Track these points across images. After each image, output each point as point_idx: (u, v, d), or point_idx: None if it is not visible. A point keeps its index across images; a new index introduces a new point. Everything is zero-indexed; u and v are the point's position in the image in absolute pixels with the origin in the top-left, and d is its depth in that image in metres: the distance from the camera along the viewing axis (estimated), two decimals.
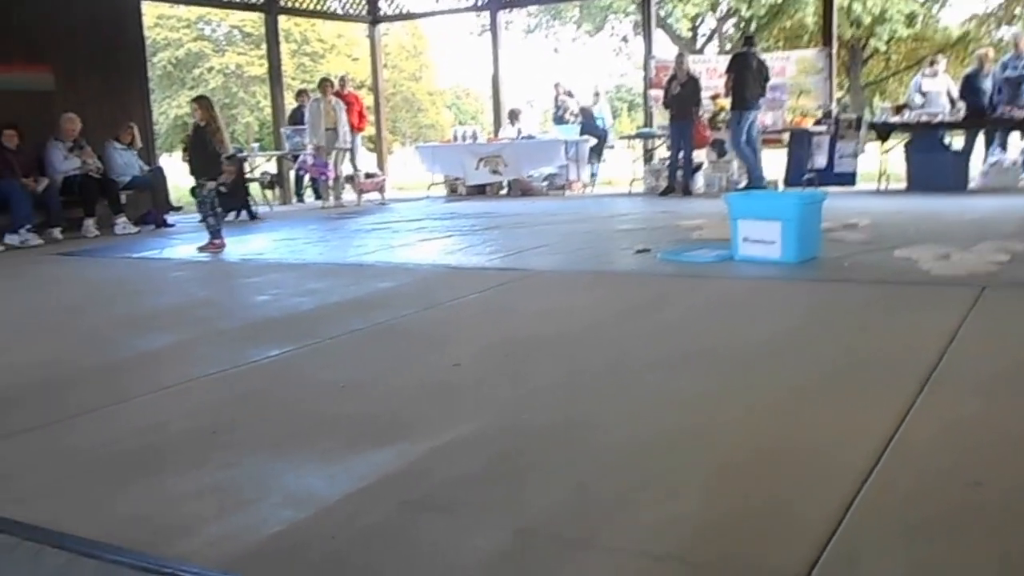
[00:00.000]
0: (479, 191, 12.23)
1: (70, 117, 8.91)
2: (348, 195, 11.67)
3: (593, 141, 12.37)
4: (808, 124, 10.21)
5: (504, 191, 12.27)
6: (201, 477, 2.27)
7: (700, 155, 10.88)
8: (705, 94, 10.51)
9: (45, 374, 3.46)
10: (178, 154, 27.10)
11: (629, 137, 12.81)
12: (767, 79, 9.84)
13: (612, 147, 13.70)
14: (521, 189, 11.97)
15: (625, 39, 25.31)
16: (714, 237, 6.13)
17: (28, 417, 2.86)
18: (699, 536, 1.85)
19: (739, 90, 9.59)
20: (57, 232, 8.56)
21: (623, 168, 13.42)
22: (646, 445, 2.39)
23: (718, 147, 10.61)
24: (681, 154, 10.38)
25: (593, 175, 12.78)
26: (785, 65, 10.99)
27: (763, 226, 5.06)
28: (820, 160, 9.90)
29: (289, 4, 12.85)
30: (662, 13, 20.18)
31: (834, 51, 11.25)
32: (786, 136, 10.48)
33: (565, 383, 3.01)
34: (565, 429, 2.53)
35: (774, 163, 10.68)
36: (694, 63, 11.21)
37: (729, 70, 9.76)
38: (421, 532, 1.91)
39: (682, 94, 10.18)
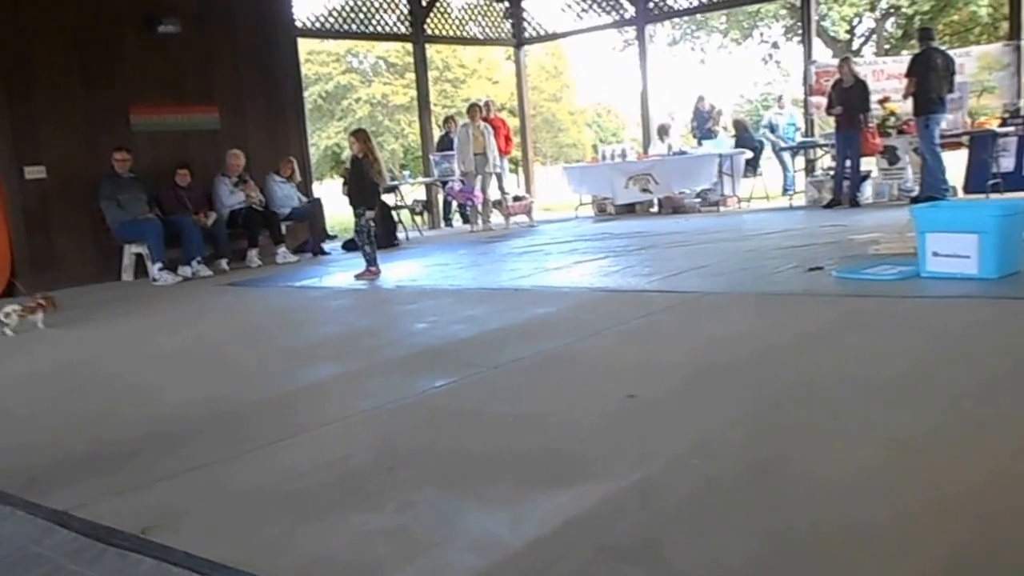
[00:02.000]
0: (628, 210, 12.08)
1: (235, 153, 9.44)
2: (496, 218, 11.78)
3: (749, 154, 11.98)
4: (993, 125, 9.45)
5: (654, 209, 12.07)
6: (382, 516, 2.24)
7: (866, 164, 10.31)
8: (872, 98, 9.94)
9: (222, 406, 3.57)
10: (329, 182, 28.41)
11: (789, 149, 12.29)
12: (954, 74, 9.16)
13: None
14: (672, 207, 11.73)
15: (775, 45, 24.50)
16: (894, 252, 5.73)
17: (209, 450, 2.94)
18: None
19: (924, 92, 8.94)
20: (224, 263, 9.07)
21: (780, 181, 12.92)
22: (858, 488, 2.18)
23: (890, 154, 10.01)
24: (848, 163, 9.85)
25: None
26: (965, 62, 10.24)
27: (956, 239, 4.67)
28: (1007, 163, 9.15)
29: (435, 32, 13.17)
30: (815, 16, 19.40)
31: (1023, 44, 10.39)
32: (965, 139, 9.74)
33: (755, 416, 2.82)
34: (762, 468, 2.35)
35: (950, 169, 9.96)
36: (857, 66, 10.64)
37: (910, 73, 9.12)
38: None
39: (848, 99, 9.65)
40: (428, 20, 12.91)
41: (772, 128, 13.13)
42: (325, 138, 31.10)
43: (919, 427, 2.58)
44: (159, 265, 8.36)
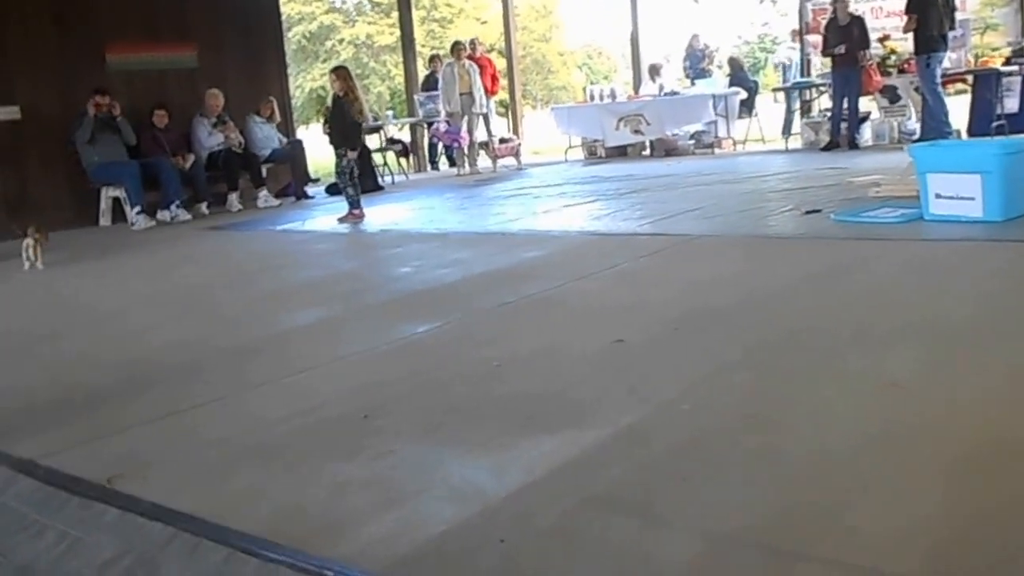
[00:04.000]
0: (619, 153, 11.90)
1: (214, 93, 9.20)
2: (483, 161, 11.60)
3: (744, 94, 11.77)
4: (997, 64, 9.26)
5: (647, 152, 11.89)
6: (357, 466, 2.16)
7: (865, 105, 10.13)
8: (871, 36, 9.72)
9: (196, 352, 3.49)
10: (315, 127, 28.05)
11: (783, 89, 12.08)
12: (955, 10, 8.92)
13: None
14: (665, 149, 11.56)
15: None
16: (896, 195, 5.61)
17: (181, 398, 2.85)
18: (941, 550, 1.58)
19: (924, 29, 8.69)
20: (204, 207, 8.90)
21: (775, 123, 12.73)
22: (856, 437, 2.10)
23: (890, 93, 9.83)
24: (846, 103, 9.67)
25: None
26: None
27: (959, 180, 4.55)
28: (1011, 104, 8.97)
29: None
30: None
31: None
32: (969, 79, 9.54)
33: (748, 362, 2.74)
34: (756, 415, 2.28)
35: (954, 110, 9.81)
36: (856, 2, 10.40)
37: (909, 9, 8.87)
38: (603, 536, 1.72)
39: (846, 37, 9.43)
40: None
41: (786, 65, 12.82)
42: (310, 80, 30.55)
43: (922, 373, 2.51)
44: (137, 209, 8.18)
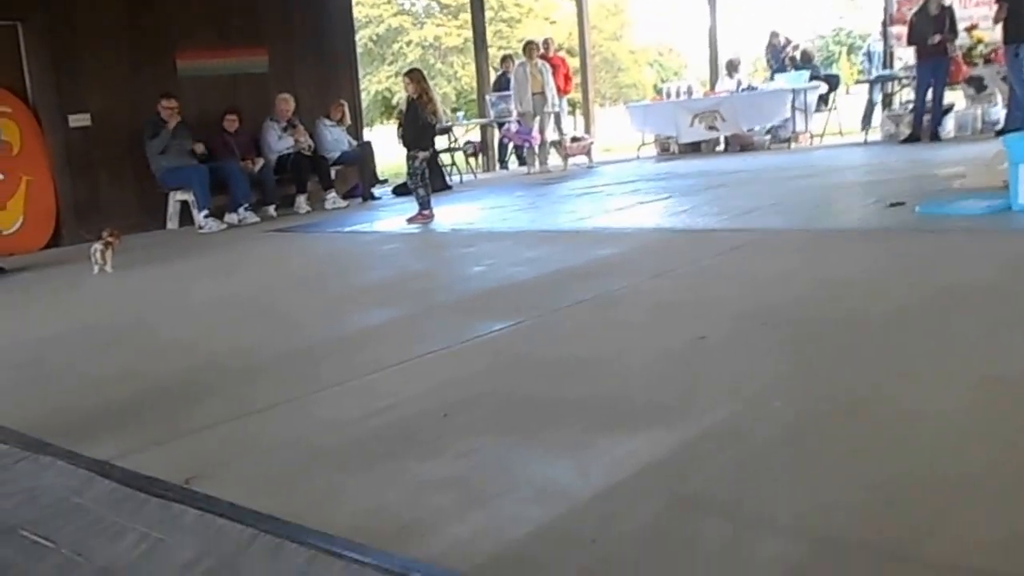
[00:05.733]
0: (693, 149, 11.76)
1: (284, 97, 9.33)
2: (553, 160, 11.56)
3: (824, 88, 11.51)
4: None
5: (720, 148, 11.72)
6: (439, 465, 2.14)
7: (949, 95, 9.83)
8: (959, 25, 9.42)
9: (268, 354, 3.50)
10: (379, 128, 28.36)
11: (867, 82, 11.80)
12: None
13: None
14: (740, 144, 11.38)
15: None
16: (981, 186, 5.43)
17: (255, 399, 2.86)
18: None
19: (1014, 19, 8.40)
20: (271, 209, 9.04)
21: (853, 116, 12.42)
22: (957, 431, 2.03)
23: (976, 83, 9.50)
24: (929, 94, 9.37)
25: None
26: None
27: None
28: None
29: None
30: None
31: None
32: None
33: (838, 356, 2.65)
34: (849, 410, 2.20)
35: None
36: None
37: None
38: (697, 538, 1.66)
39: (938, 28, 9.13)
40: None
41: (870, 57, 12.51)
42: (376, 83, 30.92)
43: (1019, 365, 2.39)
44: (205, 212, 8.32)
